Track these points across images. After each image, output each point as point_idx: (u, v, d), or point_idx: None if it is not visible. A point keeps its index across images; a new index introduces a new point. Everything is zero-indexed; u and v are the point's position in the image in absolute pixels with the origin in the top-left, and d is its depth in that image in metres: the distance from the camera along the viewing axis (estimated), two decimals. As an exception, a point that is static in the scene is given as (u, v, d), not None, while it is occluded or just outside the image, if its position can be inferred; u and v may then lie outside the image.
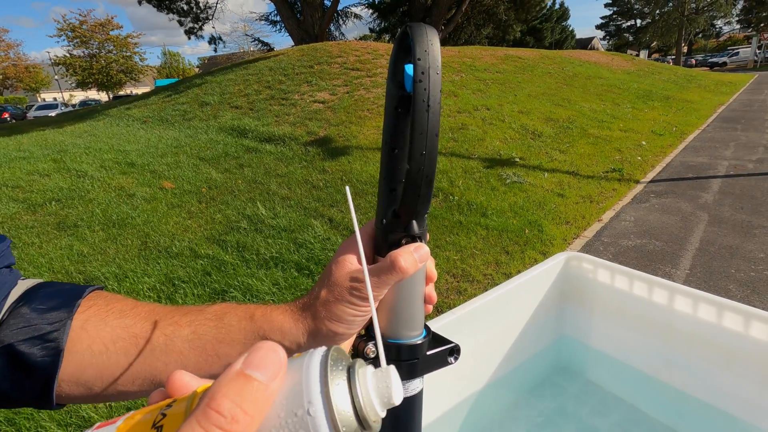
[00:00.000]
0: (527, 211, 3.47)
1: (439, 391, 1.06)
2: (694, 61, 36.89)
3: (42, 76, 39.07)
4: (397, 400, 0.21)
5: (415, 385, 0.39)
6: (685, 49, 49.49)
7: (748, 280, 2.48)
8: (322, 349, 0.19)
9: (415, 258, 0.32)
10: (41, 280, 0.37)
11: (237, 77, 7.83)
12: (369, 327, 0.37)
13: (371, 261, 0.35)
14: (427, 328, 0.40)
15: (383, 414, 0.20)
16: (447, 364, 0.41)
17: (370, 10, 19.78)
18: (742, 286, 2.43)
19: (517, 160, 4.59)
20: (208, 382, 0.21)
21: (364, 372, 0.20)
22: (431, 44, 0.29)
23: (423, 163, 0.29)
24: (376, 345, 0.27)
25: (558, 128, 5.93)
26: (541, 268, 1.21)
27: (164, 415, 0.18)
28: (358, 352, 0.37)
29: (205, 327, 0.34)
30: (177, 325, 0.35)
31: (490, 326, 1.13)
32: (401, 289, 0.35)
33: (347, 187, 0.38)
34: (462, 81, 7.58)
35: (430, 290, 0.39)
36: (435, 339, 0.41)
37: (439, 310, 2.21)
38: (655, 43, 33.50)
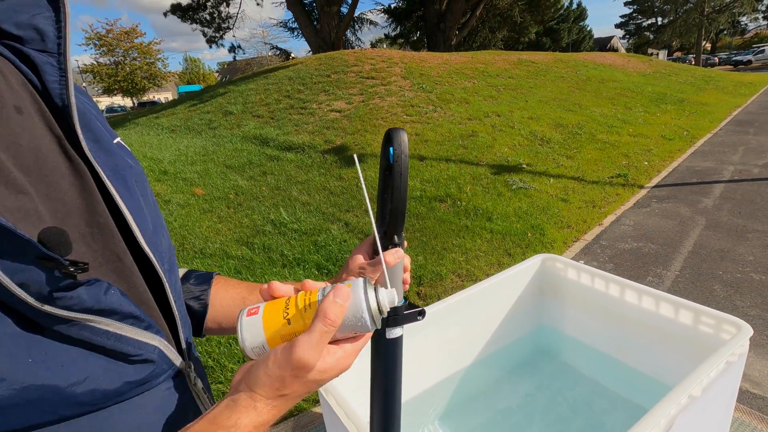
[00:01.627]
0: (531, 216, 3.69)
1: (434, 364, 1.33)
2: (717, 60, 36.06)
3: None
4: (394, 302, 0.47)
5: (397, 332, 0.67)
6: (708, 47, 48.32)
7: (733, 281, 2.66)
8: (362, 279, 0.46)
9: (394, 258, 0.59)
10: (188, 268, 0.66)
11: (258, 87, 8.22)
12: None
13: (371, 258, 0.63)
14: (405, 298, 0.67)
15: (389, 307, 0.47)
16: (416, 320, 0.68)
17: (386, 16, 20.10)
18: (726, 287, 2.62)
19: (524, 166, 4.80)
20: (291, 291, 0.45)
21: (380, 290, 0.47)
22: (402, 140, 0.56)
23: (399, 204, 0.56)
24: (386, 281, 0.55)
25: (567, 134, 6.10)
26: (521, 266, 1.47)
27: (287, 309, 0.43)
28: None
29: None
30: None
31: (477, 313, 1.39)
32: (391, 275, 0.62)
33: (354, 155, 0.66)
34: (474, 88, 7.80)
35: (406, 276, 0.66)
36: (410, 306, 0.68)
37: (443, 306, 2.47)
38: (675, 42, 32.90)
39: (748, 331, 1.03)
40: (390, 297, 0.44)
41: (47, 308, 0.30)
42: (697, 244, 3.21)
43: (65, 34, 0.40)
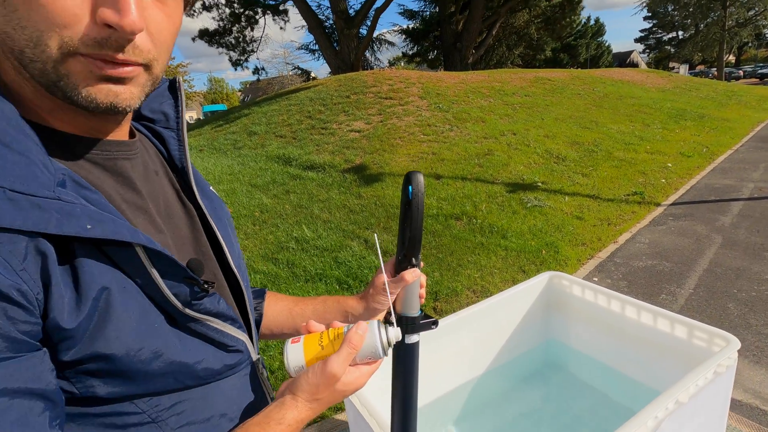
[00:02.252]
0: (545, 233, 3.78)
1: (448, 373, 1.45)
2: (741, 73, 35.36)
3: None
4: (397, 338, 0.61)
5: (414, 338, 0.81)
6: (732, 60, 47.42)
7: (748, 300, 2.69)
8: (376, 320, 0.60)
9: (412, 276, 0.74)
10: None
11: (281, 107, 8.56)
12: (390, 311, 0.79)
13: (393, 276, 0.77)
14: (421, 310, 0.81)
15: (395, 341, 0.61)
16: (430, 329, 0.82)
17: (403, 36, 20.58)
18: (740, 305, 2.65)
19: (540, 184, 4.89)
20: (323, 328, 0.61)
21: (389, 328, 0.61)
22: (419, 181, 0.71)
23: (416, 232, 0.71)
24: (392, 315, 0.69)
25: (582, 152, 6.17)
26: (530, 283, 1.59)
27: (321, 340, 0.58)
28: (386, 319, 0.78)
29: (319, 306, 0.78)
30: (305, 304, 0.78)
31: (488, 326, 1.51)
32: (409, 291, 0.76)
33: (375, 236, 0.81)
34: (490, 106, 7.96)
35: (422, 291, 0.80)
36: (425, 317, 0.82)
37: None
38: (697, 56, 32.49)
39: (736, 344, 1.12)
40: (395, 334, 0.58)
41: (187, 311, 0.45)
42: (712, 262, 3.24)
43: (182, 115, 0.57)
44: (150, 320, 0.43)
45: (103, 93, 0.39)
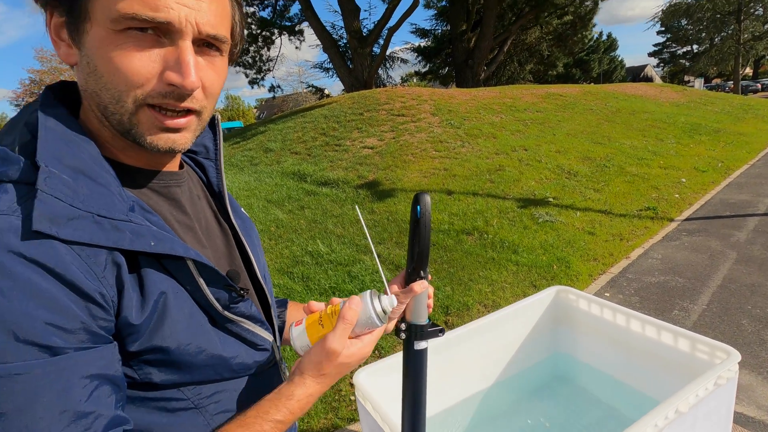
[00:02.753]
0: (557, 249, 3.80)
1: (458, 383, 1.51)
2: (759, 86, 34.88)
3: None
4: (394, 304, 0.68)
5: (423, 345, 0.88)
6: (750, 73, 46.80)
7: (762, 316, 2.67)
8: (369, 291, 0.67)
9: (420, 287, 0.81)
10: None
11: (296, 125, 8.78)
12: (402, 318, 0.86)
13: (403, 287, 0.85)
14: (429, 318, 0.88)
15: (390, 308, 0.68)
16: (437, 336, 0.89)
17: (416, 53, 20.94)
18: (754, 321, 2.63)
19: (551, 199, 4.93)
20: (322, 307, 0.67)
21: (382, 297, 0.68)
22: (427, 201, 0.79)
23: (424, 248, 0.79)
24: (402, 323, 0.76)
25: (594, 167, 6.18)
26: (537, 297, 1.64)
27: (321, 319, 0.65)
28: (397, 327, 0.86)
29: None
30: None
31: (497, 338, 1.57)
32: (417, 300, 0.84)
33: (357, 207, 0.89)
34: (501, 122, 8.04)
35: (430, 302, 0.88)
36: (433, 325, 0.89)
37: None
38: (713, 69, 32.21)
39: (737, 356, 1.16)
40: (390, 301, 0.62)
41: (225, 313, 0.54)
42: (726, 278, 3.22)
43: (219, 147, 0.67)
44: (196, 320, 0.52)
45: (163, 140, 0.50)
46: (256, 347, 0.59)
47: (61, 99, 0.52)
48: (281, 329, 0.84)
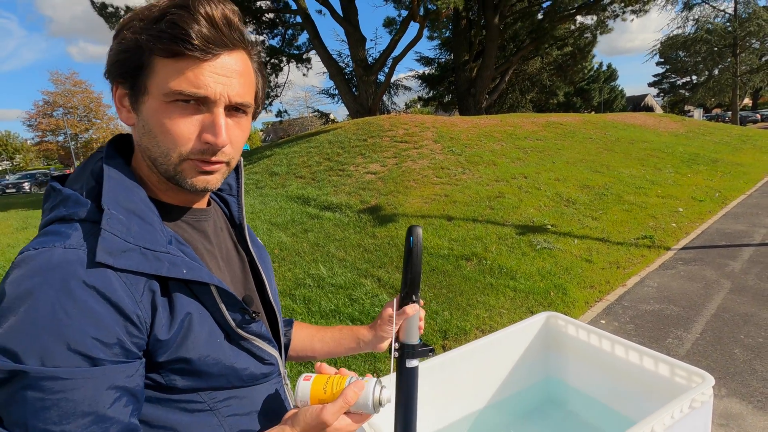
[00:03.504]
0: (554, 275, 3.87)
1: (449, 405, 1.57)
2: (759, 117, 35.34)
3: (132, 142, 45.21)
4: (390, 400, 0.76)
5: (414, 363, 0.97)
6: (749, 103, 47.49)
7: (755, 346, 2.72)
8: (374, 380, 0.76)
9: (412, 310, 0.91)
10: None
11: (301, 149, 9.00)
12: (395, 338, 0.96)
13: (397, 309, 0.94)
14: (420, 338, 0.97)
15: (386, 402, 0.75)
16: (428, 356, 0.97)
17: (420, 81, 21.50)
18: (746, 351, 2.68)
19: (549, 227, 5.02)
20: (332, 371, 0.76)
21: (383, 389, 0.75)
22: (419, 234, 0.90)
23: (416, 275, 0.89)
24: (395, 342, 0.86)
25: (593, 195, 6.30)
26: (528, 322, 1.73)
27: (326, 385, 0.73)
28: (390, 349, 0.95)
29: (336, 334, 0.95)
30: (324, 332, 0.96)
31: (489, 362, 1.64)
32: (410, 322, 0.93)
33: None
34: (502, 150, 8.23)
35: (421, 324, 0.97)
36: (424, 345, 0.98)
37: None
38: (712, 100, 32.78)
39: (711, 381, 1.23)
40: (388, 396, 0.67)
41: (239, 331, 0.64)
42: (720, 308, 3.27)
43: (241, 186, 0.78)
44: (214, 336, 0.62)
45: (200, 181, 0.62)
46: (264, 361, 0.69)
47: (118, 149, 0.64)
48: (287, 346, 0.93)
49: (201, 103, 0.58)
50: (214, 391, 0.62)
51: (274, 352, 0.71)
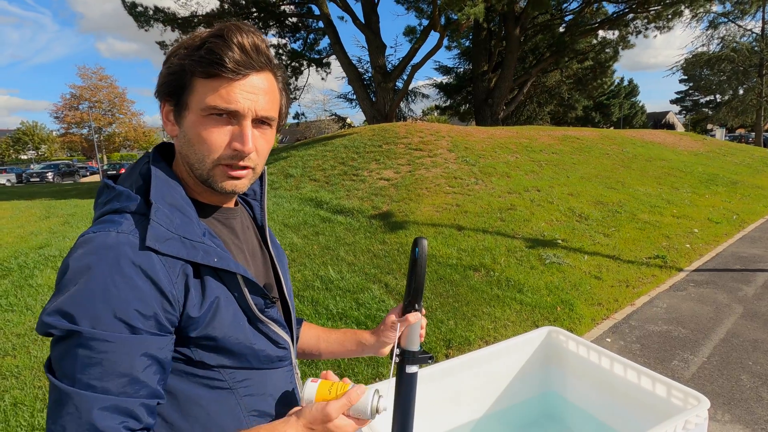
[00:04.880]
0: (561, 291, 3.87)
1: (447, 414, 1.60)
2: (784, 138, 34.46)
3: (154, 137, 46.07)
4: (387, 409, 0.81)
5: (414, 368, 1.01)
6: (774, 125, 46.31)
7: (762, 373, 2.69)
8: (375, 389, 0.81)
9: (414, 318, 0.95)
10: None
11: (317, 153, 9.13)
12: (397, 344, 1.00)
13: (400, 317, 0.99)
14: (421, 345, 1.02)
15: (382, 410, 0.80)
16: (428, 362, 1.02)
17: (437, 89, 21.58)
18: (754, 377, 2.65)
19: (560, 241, 5.01)
20: (337, 379, 0.81)
21: (381, 399, 0.80)
22: (424, 245, 0.95)
23: (419, 285, 0.94)
24: (397, 348, 0.91)
25: (606, 212, 6.26)
26: (529, 335, 1.76)
27: (331, 388, 0.78)
28: (391, 354, 1.00)
29: (340, 336, 1.01)
30: (330, 334, 1.02)
31: (490, 372, 1.68)
32: (411, 329, 0.98)
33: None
34: (516, 162, 8.22)
35: (422, 331, 1.02)
36: (423, 352, 1.03)
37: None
38: (735, 120, 32.11)
39: (706, 404, 1.25)
40: (384, 404, 0.72)
41: (259, 314, 0.71)
42: (729, 333, 3.23)
43: (264, 190, 0.86)
44: (238, 319, 0.69)
45: (230, 185, 0.70)
46: (278, 345, 0.76)
47: (162, 154, 0.74)
48: (298, 338, 0.99)
49: (232, 117, 0.67)
50: (235, 370, 0.70)
51: (287, 337, 0.78)
